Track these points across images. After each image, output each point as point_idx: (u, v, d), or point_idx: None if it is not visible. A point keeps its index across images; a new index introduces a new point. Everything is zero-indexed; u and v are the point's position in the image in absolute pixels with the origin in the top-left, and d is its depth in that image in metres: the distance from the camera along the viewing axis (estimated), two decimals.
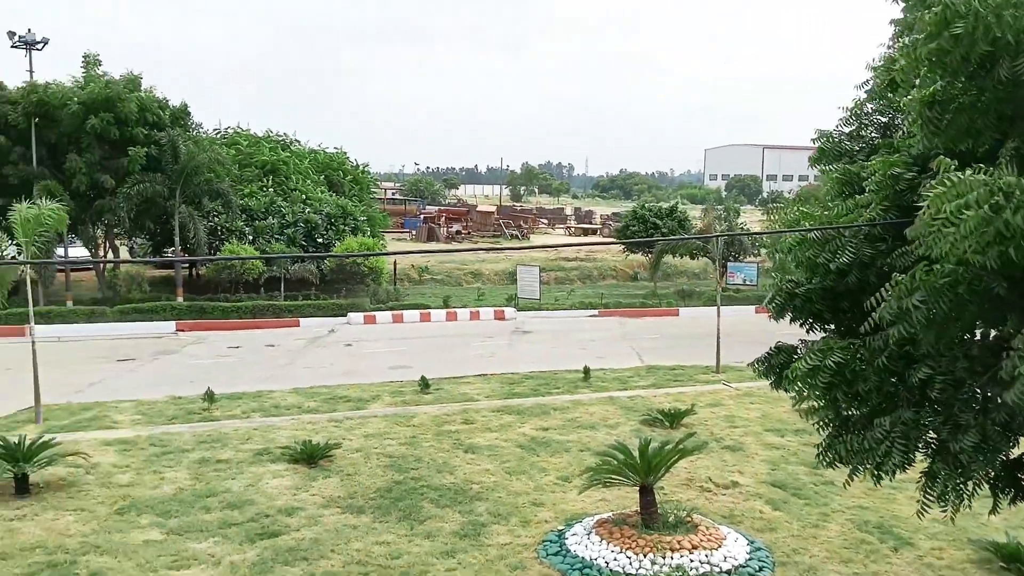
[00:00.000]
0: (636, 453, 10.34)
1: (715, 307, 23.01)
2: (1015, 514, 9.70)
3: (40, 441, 12.34)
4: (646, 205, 43.96)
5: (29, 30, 32.47)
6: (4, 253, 23.41)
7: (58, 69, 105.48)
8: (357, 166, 48.11)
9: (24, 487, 11.82)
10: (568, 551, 9.82)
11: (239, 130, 44.43)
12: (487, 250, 44.92)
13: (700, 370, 21.79)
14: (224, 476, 12.70)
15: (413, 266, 41.55)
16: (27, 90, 30.11)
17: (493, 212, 65.90)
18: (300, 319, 31.42)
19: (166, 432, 15.28)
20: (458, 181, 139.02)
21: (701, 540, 9.82)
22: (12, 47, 32.35)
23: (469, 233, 57.52)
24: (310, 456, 13.33)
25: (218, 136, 42.45)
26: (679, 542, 9.71)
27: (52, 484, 12.12)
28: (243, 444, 14.47)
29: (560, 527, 10.69)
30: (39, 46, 32.63)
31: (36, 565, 9.39)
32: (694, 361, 22.66)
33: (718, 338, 21.49)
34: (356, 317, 32.04)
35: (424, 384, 19.12)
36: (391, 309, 33.24)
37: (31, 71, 32.54)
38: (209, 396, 17.28)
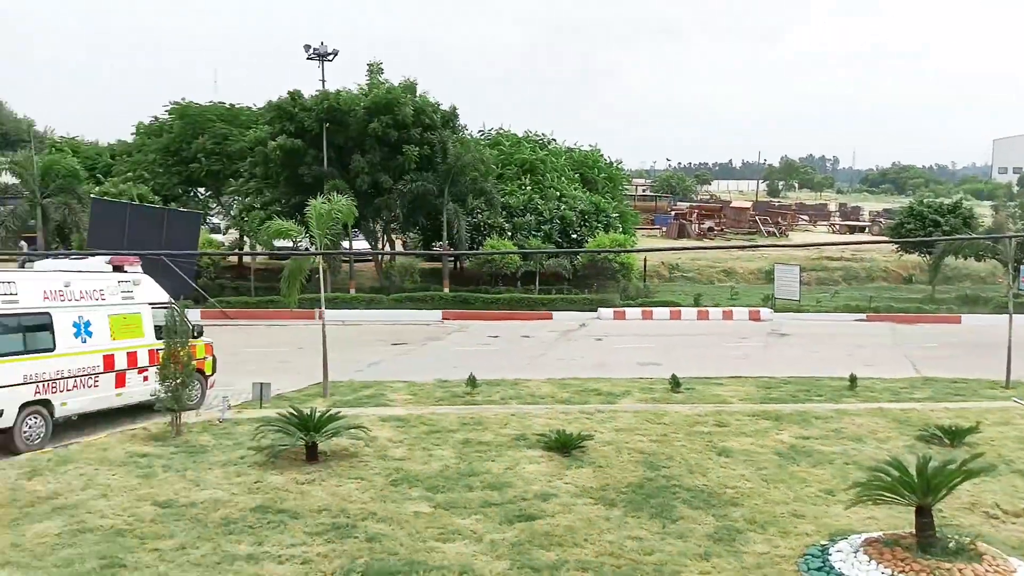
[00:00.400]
0: (913, 470, 9.52)
1: (1005, 315, 20.59)
2: None
3: (328, 414, 13.68)
4: (924, 200, 40.35)
5: (322, 43, 36.20)
6: (300, 245, 26.28)
7: (347, 78, 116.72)
8: (611, 163, 48.55)
9: (314, 454, 13.14)
10: (832, 568, 9.26)
11: (501, 131, 46.48)
12: (741, 248, 43.49)
13: (986, 384, 19.64)
14: (485, 458, 13.36)
15: (663, 263, 41.20)
16: (320, 98, 33.54)
17: (748, 208, 63.62)
18: (553, 312, 32.33)
19: (434, 412, 16.38)
20: (711, 177, 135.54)
21: (986, 571, 8.84)
22: (307, 59, 36.23)
23: (722, 230, 56.01)
24: (564, 445, 13.66)
25: (482, 137, 44.71)
26: (960, 570, 8.81)
27: (337, 453, 13.39)
28: (502, 429, 15.15)
29: (823, 542, 10.10)
30: (330, 57, 36.26)
31: (322, 525, 10.41)
32: (978, 374, 20.47)
33: (1009, 350, 19.25)
34: (606, 312, 32.38)
35: (675, 383, 18.89)
36: (641, 306, 33.22)
37: (323, 80, 36.28)
38: (471, 381, 18.29)
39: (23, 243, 37.72)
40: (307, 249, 22.69)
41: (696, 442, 14.53)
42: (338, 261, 33.83)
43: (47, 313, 14.05)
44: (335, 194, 21.68)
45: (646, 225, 57.18)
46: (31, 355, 13.69)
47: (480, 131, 46.18)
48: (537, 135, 47.38)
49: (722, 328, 29.97)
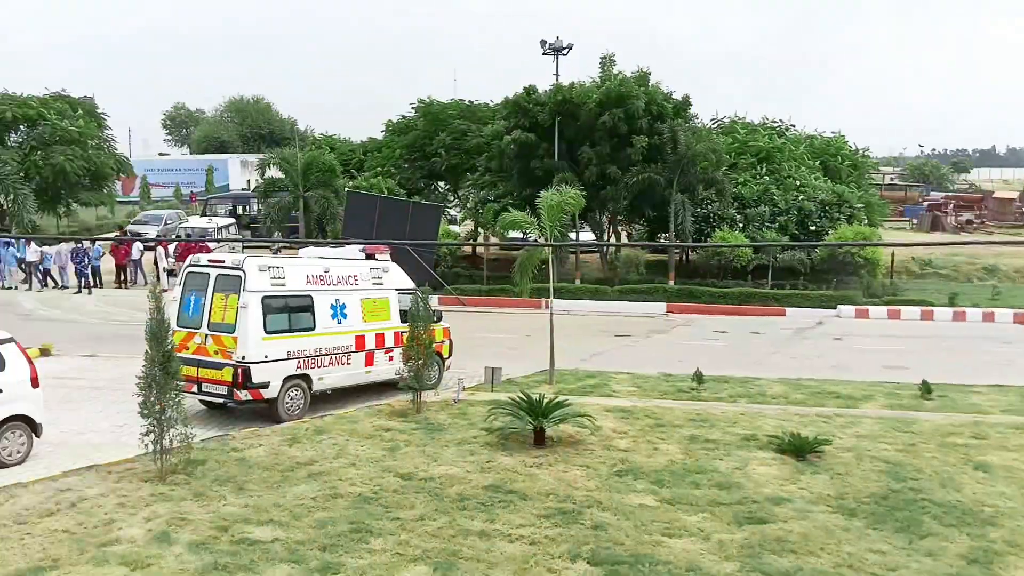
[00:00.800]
0: None
1: None
2: None
3: (555, 400, 13.99)
4: None
5: (557, 38, 36.95)
6: (529, 236, 26.98)
7: (580, 71, 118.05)
8: (855, 150, 45.53)
9: (541, 439, 13.49)
10: None
11: (736, 118, 45.01)
12: (1005, 243, 39.15)
13: None
14: (712, 456, 13.06)
15: (913, 258, 38.05)
16: (553, 92, 34.22)
17: (1014, 199, 57.17)
18: (786, 308, 30.85)
19: (659, 406, 16.23)
20: (970, 164, 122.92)
21: None
22: (543, 54, 37.12)
23: (983, 223, 50.77)
24: (798, 449, 13.03)
25: (715, 125, 43.58)
26: None
27: (563, 440, 13.66)
28: (730, 427, 14.72)
29: None
30: (565, 51, 36.96)
31: (549, 509, 10.67)
32: None
33: None
34: (846, 310, 30.43)
35: (926, 389, 17.37)
36: (886, 304, 30.88)
37: (557, 75, 37.05)
38: (698, 377, 17.91)
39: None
40: (536, 240, 23.26)
41: (949, 454, 13.32)
42: (565, 252, 34.37)
43: (309, 296, 15.51)
44: (564, 186, 22.03)
45: (894, 217, 53.15)
46: (295, 333, 15.16)
47: (713, 119, 45.03)
48: (774, 122, 45.44)
49: (981, 331, 27.18)
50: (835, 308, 30.60)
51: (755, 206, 35.36)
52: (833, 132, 46.17)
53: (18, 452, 12.26)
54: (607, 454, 13.02)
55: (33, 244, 32.07)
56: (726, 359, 21.55)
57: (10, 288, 31.52)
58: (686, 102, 35.24)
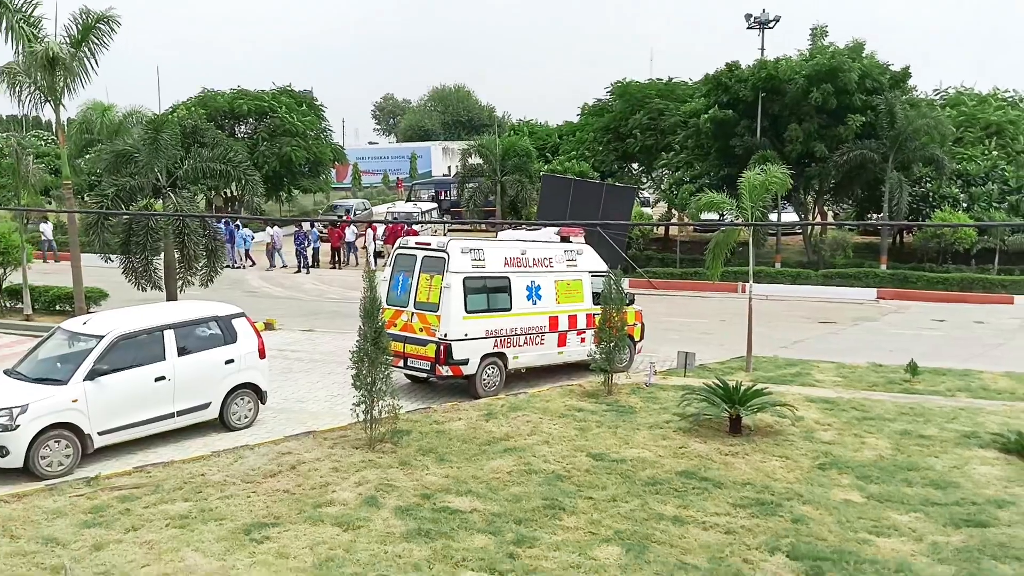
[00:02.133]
0: None
1: None
2: None
3: (753, 388, 13.55)
4: None
5: (763, 10, 35.37)
6: (725, 218, 26.20)
7: (787, 45, 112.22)
8: None
9: (737, 427, 13.12)
10: None
11: (962, 90, 41.22)
12: None
13: None
14: (926, 453, 12.17)
15: None
16: (757, 67, 32.85)
17: None
18: (1015, 296, 28.06)
19: (867, 398, 15.31)
20: None
21: None
22: (747, 28, 35.72)
23: None
24: None
25: (938, 97, 40.17)
26: None
27: (761, 429, 13.22)
28: (948, 423, 13.64)
29: None
30: (771, 24, 35.38)
31: (746, 500, 10.37)
32: None
33: None
34: None
35: None
36: None
37: (762, 49, 35.50)
38: (912, 368, 16.68)
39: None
40: (733, 222, 22.51)
41: None
42: (765, 234, 33.05)
43: (506, 277, 15.94)
44: (766, 164, 21.10)
45: None
46: (492, 313, 15.65)
47: (936, 90, 41.49)
48: (1007, 92, 41.21)
49: None
50: None
51: (981, 184, 32.29)
52: None
53: (246, 417, 13.53)
54: (809, 446, 12.47)
55: (269, 227, 35.42)
56: (944, 350, 19.94)
57: (240, 267, 34.74)
58: (905, 74, 32.64)
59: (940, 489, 10.71)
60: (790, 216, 36.67)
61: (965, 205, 32.08)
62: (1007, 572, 8.45)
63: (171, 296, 20.84)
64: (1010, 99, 40.50)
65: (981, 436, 12.88)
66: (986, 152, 34.64)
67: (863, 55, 31.53)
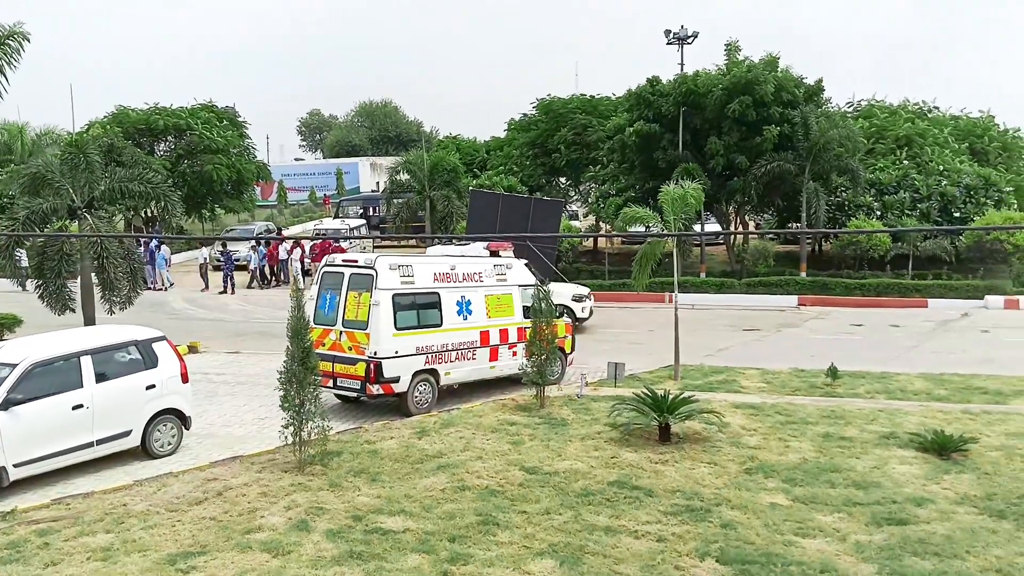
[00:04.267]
0: None
1: None
2: None
3: (681, 396, 13.79)
4: None
5: (682, 27, 36.29)
6: (651, 229, 26.64)
7: (705, 60, 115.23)
8: (1005, 131, 42.54)
9: (666, 435, 13.32)
10: None
11: (873, 102, 42.91)
12: None
13: None
14: (848, 454, 12.55)
15: None
16: (678, 82, 33.59)
17: None
18: (928, 300, 29.25)
19: (790, 402, 15.72)
20: None
21: None
22: (667, 44, 36.56)
23: None
24: (941, 447, 12.36)
25: (851, 109, 41.69)
26: None
27: (689, 436, 13.44)
28: (867, 425, 14.10)
29: None
30: (690, 40, 36.28)
31: (676, 506, 10.53)
32: None
33: None
34: (995, 301, 28.57)
35: None
36: None
37: (681, 64, 36.36)
38: (832, 372, 17.21)
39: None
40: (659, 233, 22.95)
41: None
42: (690, 245, 33.73)
43: (436, 293, 15.90)
44: (687, 178, 21.56)
45: None
46: (423, 329, 15.58)
47: (849, 103, 43.08)
48: (915, 104, 43.02)
49: None
50: (982, 299, 28.78)
51: (894, 193, 33.62)
52: (980, 112, 43.30)
53: (169, 443, 13.14)
54: (736, 451, 12.73)
55: (205, 247, 34.65)
56: (863, 354, 20.63)
57: (161, 289, 33.77)
58: (818, 87, 33.81)
59: (862, 489, 11.05)
60: (713, 227, 37.48)
61: (879, 213, 33.31)
62: (927, 568, 8.75)
63: (89, 321, 20.14)
64: (919, 110, 42.28)
65: (899, 436, 13.34)
66: (897, 162, 36.07)
67: (777, 69, 32.55)
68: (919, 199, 33.25)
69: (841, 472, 11.73)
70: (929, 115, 41.90)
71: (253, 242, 34.40)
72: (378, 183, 64.50)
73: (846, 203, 33.65)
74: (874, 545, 9.30)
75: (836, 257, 33.98)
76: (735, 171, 32.46)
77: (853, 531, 9.71)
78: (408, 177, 43.44)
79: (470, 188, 38.98)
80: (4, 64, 19.57)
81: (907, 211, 32.95)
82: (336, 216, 48.53)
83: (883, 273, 31.77)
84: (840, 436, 13.45)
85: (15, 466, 11.26)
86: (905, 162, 35.95)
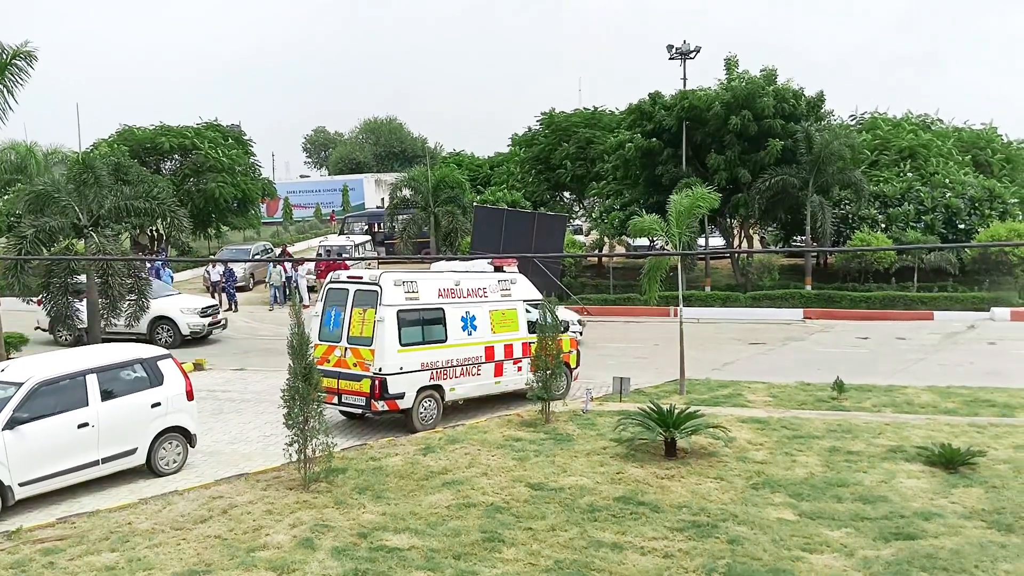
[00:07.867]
0: None
1: None
2: None
3: (687, 411, 13.75)
4: None
5: (684, 42, 36.34)
6: (655, 244, 26.70)
7: (707, 76, 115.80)
8: (1009, 142, 42.55)
9: (672, 450, 13.27)
10: None
11: (877, 114, 42.99)
12: None
13: None
14: (855, 468, 12.49)
15: None
16: (679, 97, 33.70)
17: None
18: (934, 312, 29.15)
19: (796, 416, 15.66)
20: None
21: None
22: (669, 59, 36.63)
23: None
24: (949, 460, 12.30)
25: (854, 122, 41.75)
26: None
27: (695, 451, 13.40)
28: (874, 438, 14.04)
29: None
30: (692, 55, 36.31)
31: (683, 522, 10.48)
32: None
33: None
34: (1001, 312, 28.45)
35: None
36: None
37: (684, 79, 36.40)
38: (839, 385, 17.15)
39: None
40: (663, 249, 22.96)
41: None
42: (694, 259, 33.73)
43: (441, 309, 15.91)
44: (693, 188, 21.45)
45: None
46: (428, 345, 15.58)
47: (852, 115, 43.16)
48: (918, 116, 43.08)
49: None
50: (988, 311, 28.69)
51: (898, 205, 33.59)
52: (984, 123, 43.33)
53: (175, 461, 13.14)
54: (742, 466, 12.68)
55: (218, 265, 34.51)
56: (869, 367, 20.56)
57: None
58: (819, 99, 33.89)
59: (869, 504, 10.99)
60: (717, 241, 37.43)
61: (883, 225, 33.27)
62: None
63: (94, 339, 20.20)
64: (923, 122, 42.32)
65: (906, 450, 13.28)
66: (901, 174, 36.07)
67: (776, 82, 32.64)
68: (923, 211, 33.20)
69: (848, 487, 11.67)
70: (932, 127, 41.96)
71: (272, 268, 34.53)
72: (383, 199, 64.69)
73: (850, 215, 33.64)
74: (882, 560, 9.25)
75: (841, 270, 33.93)
76: (738, 185, 32.48)
77: (861, 546, 9.65)
78: (411, 193, 43.56)
79: (474, 204, 39.09)
80: (12, 84, 19.70)
81: (911, 223, 32.89)
82: (341, 232, 48.64)
83: (888, 285, 31.70)
84: (847, 450, 13.39)
85: (20, 485, 11.27)
86: (909, 174, 35.96)
